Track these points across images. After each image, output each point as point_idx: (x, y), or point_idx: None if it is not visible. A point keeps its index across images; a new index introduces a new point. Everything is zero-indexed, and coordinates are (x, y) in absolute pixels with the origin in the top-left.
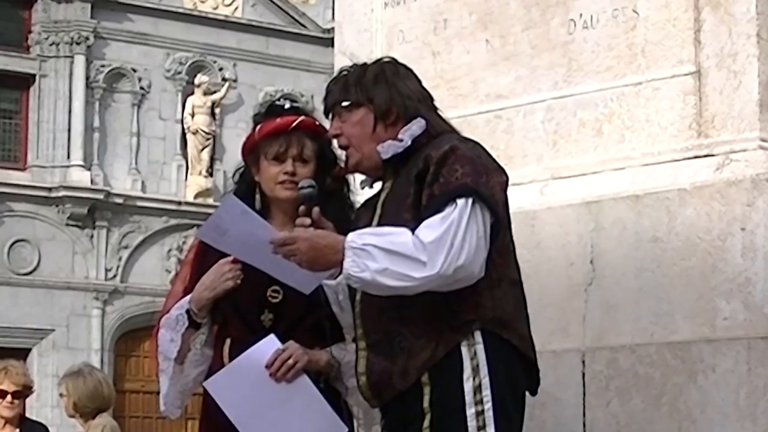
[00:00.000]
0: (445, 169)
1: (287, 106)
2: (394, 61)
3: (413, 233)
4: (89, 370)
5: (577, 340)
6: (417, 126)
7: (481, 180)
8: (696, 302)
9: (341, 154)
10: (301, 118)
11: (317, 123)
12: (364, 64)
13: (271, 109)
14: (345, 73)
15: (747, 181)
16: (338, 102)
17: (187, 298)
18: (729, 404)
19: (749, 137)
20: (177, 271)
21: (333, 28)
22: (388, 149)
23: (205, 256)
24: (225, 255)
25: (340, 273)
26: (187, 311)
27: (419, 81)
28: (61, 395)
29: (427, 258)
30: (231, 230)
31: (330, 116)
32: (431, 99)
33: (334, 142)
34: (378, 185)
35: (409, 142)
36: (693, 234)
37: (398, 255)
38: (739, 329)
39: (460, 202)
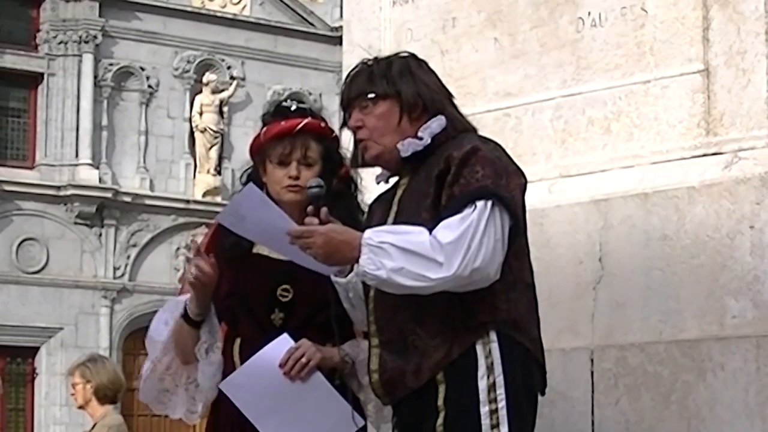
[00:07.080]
0: (466, 170)
1: (293, 107)
2: (414, 56)
3: (431, 233)
4: (103, 357)
5: (585, 339)
6: (437, 124)
7: (501, 182)
8: (705, 300)
9: (347, 153)
10: (306, 120)
11: (323, 125)
12: (386, 57)
13: (278, 110)
14: (368, 64)
15: (756, 179)
16: (363, 93)
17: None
18: (738, 402)
19: (758, 135)
20: None
21: (341, 27)
22: (408, 147)
23: (220, 241)
24: (241, 239)
25: (350, 271)
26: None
27: (438, 77)
28: (74, 385)
29: (443, 259)
30: (249, 217)
31: (347, 108)
32: (451, 95)
33: (347, 134)
34: (392, 180)
35: (429, 141)
36: (702, 232)
37: (415, 254)
38: (748, 327)
39: (480, 204)
